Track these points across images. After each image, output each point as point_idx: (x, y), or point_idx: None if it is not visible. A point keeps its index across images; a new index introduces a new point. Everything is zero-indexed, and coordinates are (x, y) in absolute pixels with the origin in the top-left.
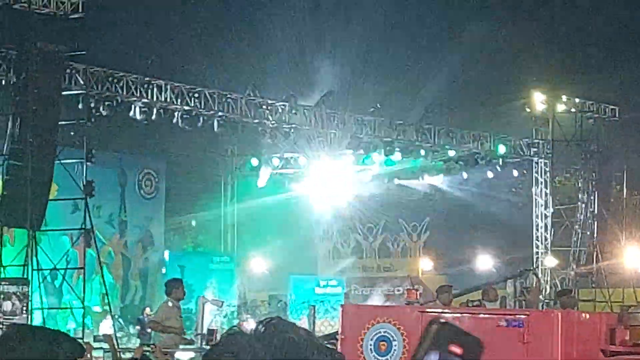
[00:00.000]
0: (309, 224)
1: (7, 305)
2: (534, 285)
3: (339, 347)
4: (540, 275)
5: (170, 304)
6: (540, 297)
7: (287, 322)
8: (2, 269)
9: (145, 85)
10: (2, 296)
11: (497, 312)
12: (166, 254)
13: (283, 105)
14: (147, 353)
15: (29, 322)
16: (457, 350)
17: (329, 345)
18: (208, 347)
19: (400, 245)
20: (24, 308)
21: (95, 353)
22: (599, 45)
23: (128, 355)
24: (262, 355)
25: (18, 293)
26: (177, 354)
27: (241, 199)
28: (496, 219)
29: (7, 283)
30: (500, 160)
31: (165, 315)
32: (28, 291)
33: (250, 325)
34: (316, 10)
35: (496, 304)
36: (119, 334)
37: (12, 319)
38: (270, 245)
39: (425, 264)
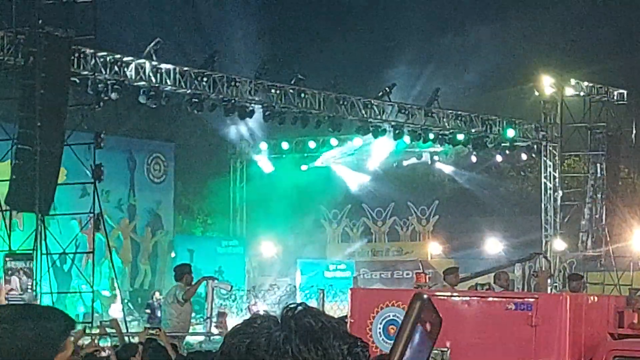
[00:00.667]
0: (318, 207)
1: (15, 282)
2: (543, 269)
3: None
4: (549, 259)
5: (179, 286)
6: (549, 280)
7: (313, 309)
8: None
9: (154, 70)
10: (9, 272)
11: (505, 295)
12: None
13: (292, 89)
14: (153, 337)
15: (37, 298)
16: (427, 327)
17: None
18: (217, 331)
19: (410, 229)
20: (30, 284)
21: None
22: (607, 29)
23: (137, 339)
24: (280, 340)
25: (25, 268)
26: (187, 338)
27: (250, 183)
28: (505, 202)
29: (12, 259)
30: (509, 143)
31: (178, 290)
32: (33, 266)
33: (258, 307)
34: None
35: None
36: (128, 318)
37: (22, 294)
38: (279, 229)
39: (434, 248)
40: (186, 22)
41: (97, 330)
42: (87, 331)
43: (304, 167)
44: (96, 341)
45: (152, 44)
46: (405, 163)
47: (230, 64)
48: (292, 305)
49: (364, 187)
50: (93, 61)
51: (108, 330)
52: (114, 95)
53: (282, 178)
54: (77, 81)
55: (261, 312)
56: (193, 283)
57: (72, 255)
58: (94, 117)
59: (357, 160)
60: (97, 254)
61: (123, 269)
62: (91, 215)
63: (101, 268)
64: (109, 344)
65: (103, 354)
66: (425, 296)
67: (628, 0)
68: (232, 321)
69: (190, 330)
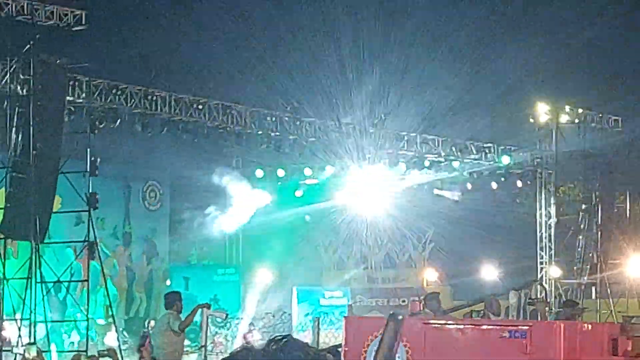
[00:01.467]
0: (314, 235)
1: None
2: (541, 297)
3: (342, 359)
4: (545, 286)
5: (171, 314)
6: (546, 308)
7: (299, 341)
8: (5, 282)
9: (149, 97)
10: None
11: (500, 323)
12: None
13: (287, 116)
14: None
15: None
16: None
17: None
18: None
19: (405, 256)
20: None
21: None
22: (602, 56)
23: None
24: None
25: None
26: None
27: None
28: (500, 229)
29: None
30: (504, 171)
31: (173, 319)
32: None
33: (254, 336)
34: (319, 22)
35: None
36: (123, 347)
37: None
38: (275, 256)
39: (430, 275)
40: (182, 50)
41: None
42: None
43: (298, 193)
44: None
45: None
46: (401, 190)
47: (226, 91)
48: (277, 338)
49: (359, 215)
50: (88, 89)
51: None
52: (109, 123)
53: (277, 205)
54: (72, 108)
55: (256, 340)
56: (189, 312)
57: (67, 283)
58: (89, 144)
59: (352, 187)
60: (92, 282)
61: (118, 297)
62: (86, 243)
63: (96, 296)
64: None
65: None
66: (400, 317)
67: (623, 27)
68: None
69: (185, 359)
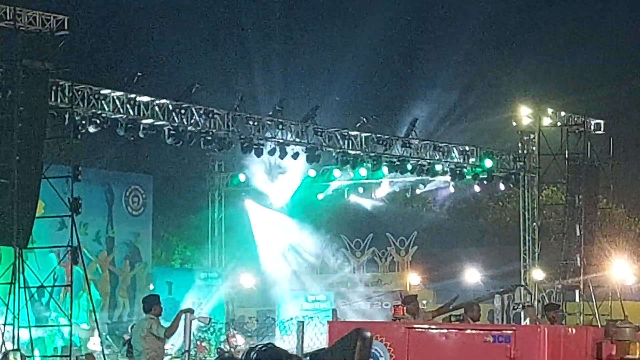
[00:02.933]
0: (298, 239)
1: None
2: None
3: None
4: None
5: (151, 319)
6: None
7: (279, 349)
8: None
9: (132, 102)
10: None
11: (483, 328)
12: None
13: (269, 121)
14: None
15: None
16: None
17: None
18: None
19: (388, 259)
20: None
21: None
22: (584, 59)
23: None
24: None
25: None
26: None
27: (228, 214)
28: (483, 232)
29: None
30: (487, 174)
31: (156, 325)
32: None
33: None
34: (302, 27)
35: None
36: (106, 351)
37: None
38: (258, 260)
39: (413, 278)
40: (164, 54)
41: None
42: None
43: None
44: None
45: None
46: (383, 193)
47: (208, 96)
48: (258, 346)
49: (343, 218)
50: (71, 94)
51: None
52: (91, 128)
53: (261, 209)
54: (55, 114)
55: (240, 344)
56: (173, 317)
57: (50, 288)
58: (72, 149)
59: (335, 191)
60: (75, 287)
61: (101, 301)
62: (69, 248)
63: (79, 301)
64: None
65: None
66: (367, 334)
67: (605, 31)
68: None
69: None
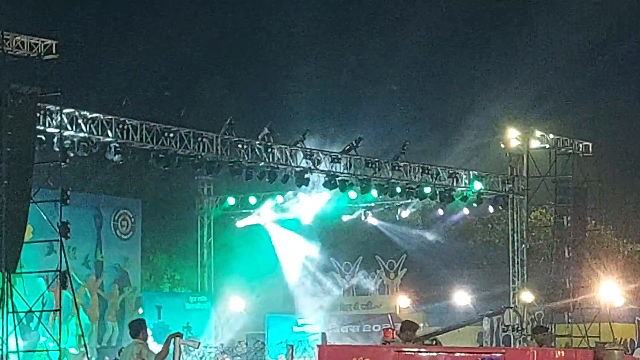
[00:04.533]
0: (286, 262)
1: None
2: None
3: None
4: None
5: (140, 344)
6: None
7: None
8: None
9: (120, 126)
10: None
11: (473, 351)
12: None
13: (259, 144)
14: None
15: None
16: None
17: None
18: None
19: (378, 282)
20: None
21: None
22: (571, 82)
23: None
24: None
25: None
26: None
27: (217, 238)
28: (472, 255)
29: None
30: (476, 196)
31: (145, 350)
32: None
33: None
34: (291, 49)
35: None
36: None
37: None
38: (247, 284)
39: (402, 301)
40: (152, 77)
41: None
42: None
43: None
44: None
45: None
46: (373, 217)
47: (197, 119)
48: None
49: (332, 242)
50: (59, 118)
51: None
52: (80, 152)
53: (249, 233)
54: (43, 138)
55: None
56: (163, 341)
57: (39, 313)
58: (60, 174)
59: (325, 214)
60: (64, 312)
61: (90, 326)
62: (58, 272)
63: (68, 325)
64: None
65: None
66: None
67: (592, 53)
68: None
69: None
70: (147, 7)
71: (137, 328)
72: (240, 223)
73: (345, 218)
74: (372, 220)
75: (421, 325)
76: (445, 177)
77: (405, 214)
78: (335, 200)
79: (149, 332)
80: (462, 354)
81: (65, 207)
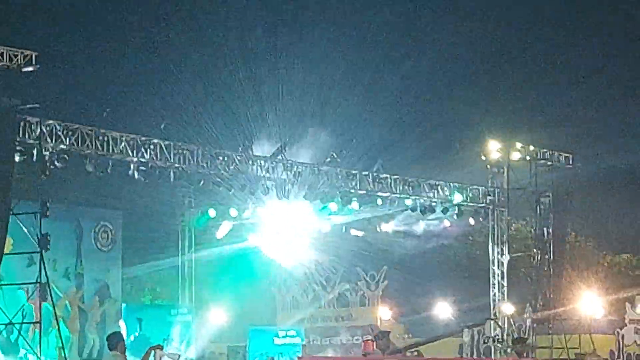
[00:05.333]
0: (268, 274)
1: None
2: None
3: None
4: (500, 324)
5: (117, 356)
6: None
7: None
8: None
9: (100, 138)
10: None
11: None
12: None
13: (239, 156)
14: None
15: None
16: None
17: None
18: None
19: (359, 294)
20: None
21: None
22: (552, 94)
23: None
24: None
25: None
26: None
27: (199, 250)
28: (453, 266)
29: None
30: (457, 208)
31: None
32: None
33: None
34: (270, 60)
35: None
36: None
37: None
38: (228, 296)
39: (384, 313)
40: (133, 90)
41: None
42: None
43: (252, 235)
44: None
45: (104, 113)
46: (353, 229)
47: (177, 132)
48: None
49: (313, 254)
50: (39, 130)
51: None
52: (60, 164)
53: (231, 245)
54: (23, 149)
55: None
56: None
57: (19, 325)
58: (40, 186)
59: (305, 226)
60: (44, 324)
61: (71, 338)
62: (38, 284)
63: (48, 338)
64: None
65: None
66: None
67: (573, 67)
68: None
69: None
70: (128, 19)
71: (114, 341)
72: (219, 233)
73: (324, 230)
74: (353, 233)
75: (404, 336)
76: (426, 189)
77: (386, 226)
78: (316, 212)
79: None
80: None
81: (45, 219)
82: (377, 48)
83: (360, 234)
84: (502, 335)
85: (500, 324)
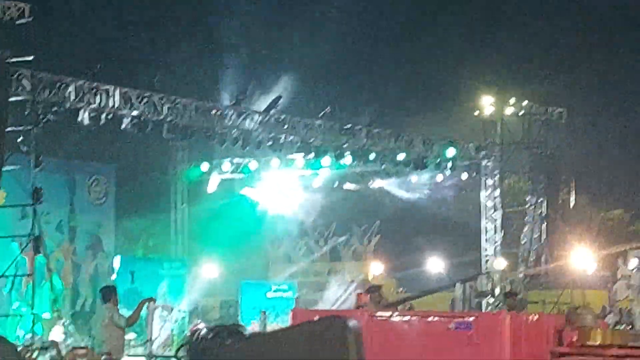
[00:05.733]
0: (260, 229)
1: None
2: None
3: None
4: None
5: (111, 308)
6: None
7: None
8: None
9: (93, 91)
10: None
11: (446, 315)
12: (117, 260)
13: (232, 110)
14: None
15: None
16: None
17: None
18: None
19: (351, 249)
20: None
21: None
22: (546, 49)
23: None
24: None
25: None
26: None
27: (191, 204)
28: (446, 222)
29: None
30: (450, 163)
31: (117, 314)
32: None
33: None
34: (265, 15)
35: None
36: (69, 341)
37: None
38: (221, 250)
39: (376, 268)
40: (126, 43)
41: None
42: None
43: (245, 189)
44: (34, 356)
45: (96, 69)
46: (346, 183)
47: (171, 85)
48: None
49: (306, 208)
50: (32, 82)
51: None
52: (53, 117)
53: (223, 199)
54: (16, 102)
55: (198, 329)
56: (135, 306)
57: (12, 277)
58: (33, 138)
59: (299, 180)
60: (37, 277)
61: (64, 291)
62: (31, 237)
63: (41, 290)
64: None
65: None
66: (354, 325)
67: (567, 20)
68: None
69: (132, 353)
70: None
71: (108, 294)
72: (211, 187)
73: (317, 184)
74: (346, 187)
75: (397, 290)
76: (419, 143)
77: (379, 181)
78: (309, 166)
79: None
80: (435, 319)
81: (39, 172)
82: (371, 4)
83: (353, 188)
84: (494, 290)
85: (492, 278)
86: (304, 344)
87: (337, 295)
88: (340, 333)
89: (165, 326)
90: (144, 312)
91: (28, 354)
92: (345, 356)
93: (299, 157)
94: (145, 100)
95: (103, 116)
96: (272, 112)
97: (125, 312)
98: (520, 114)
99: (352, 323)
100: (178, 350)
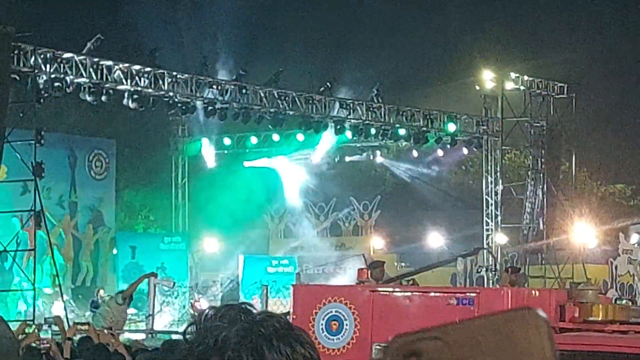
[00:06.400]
0: (260, 203)
1: None
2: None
3: None
4: (493, 253)
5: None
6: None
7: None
8: None
9: (95, 66)
10: None
11: (447, 290)
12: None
13: (233, 85)
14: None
15: None
16: None
17: None
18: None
19: (352, 223)
20: None
21: (43, 334)
22: (547, 23)
23: (79, 336)
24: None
25: None
26: (128, 335)
27: (192, 179)
28: (446, 196)
29: None
30: (450, 138)
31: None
32: None
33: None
34: None
35: None
36: (70, 315)
37: None
38: (221, 225)
39: (376, 242)
40: (127, 18)
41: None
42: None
43: (246, 163)
44: (37, 332)
45: (92, 40)
46: (347, 158)
47: (171, 60)
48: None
49: (306, 183)
50: (33, 58)
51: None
52: (54, 92)
53: (224, 174)
54: (17, 78)
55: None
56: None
57: (13, 252)
58: (34, 114)
59: (299, 155)
60: (38, 251)
61: (65, 266)
62: (32, 212)
63: (42, 265)
64: (50, 337)
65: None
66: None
67: None
68: (171, 318)
69: (133, 327)
70: None
71: None
72: (211, 162)
73: (317, 160)
74: (347, 160)
75: (399, 265)
76: (419, 118)
77: (379, 155)
78: (309, 141)
79: None
80: (436, 294)
81: (40, 147)
82: None
83: (355, 159)
84: (495, 265)
85: (493, 253)
86: (492, 339)
87: (337, 270)
88: (534, 327)
89: (167, 301)
90: (145, 287)
91: (30, 330)
92: (542, 354)
93: (299, 132)
94: (146, 75)
95: (104, 91)
96: (272, 86)
97: (126, 287)
98: (521, 88)
99: (544, 314)
100: (186, 329)
